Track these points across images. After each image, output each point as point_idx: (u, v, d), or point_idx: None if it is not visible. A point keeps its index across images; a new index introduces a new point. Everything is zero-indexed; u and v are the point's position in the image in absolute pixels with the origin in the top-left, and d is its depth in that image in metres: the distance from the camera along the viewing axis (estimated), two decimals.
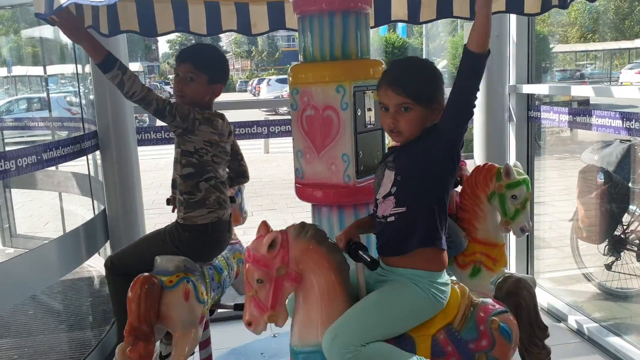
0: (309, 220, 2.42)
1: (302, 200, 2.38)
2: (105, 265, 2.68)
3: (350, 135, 2.19)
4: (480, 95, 4.05)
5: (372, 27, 3.24)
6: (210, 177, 2.49)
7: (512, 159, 4.13)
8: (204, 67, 2.46)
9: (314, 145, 2.25)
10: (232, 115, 4.25)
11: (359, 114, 2.20)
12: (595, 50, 27.81)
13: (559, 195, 6.43)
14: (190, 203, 2.48)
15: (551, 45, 19.50)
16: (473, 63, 1.82)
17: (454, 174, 1.94)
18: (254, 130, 3.92)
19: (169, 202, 2.72)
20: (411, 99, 1.86)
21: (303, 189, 2.34)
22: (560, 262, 4.78)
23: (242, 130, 3.88)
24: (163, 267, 2.48)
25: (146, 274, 2.38)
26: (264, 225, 1.94)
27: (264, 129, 3.94)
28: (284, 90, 22.93)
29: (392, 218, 1.91)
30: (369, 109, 2.26)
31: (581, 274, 4.31)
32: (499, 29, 3.84)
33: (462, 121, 1.87)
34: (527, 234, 2.80)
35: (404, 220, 1.90)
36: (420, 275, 1.90)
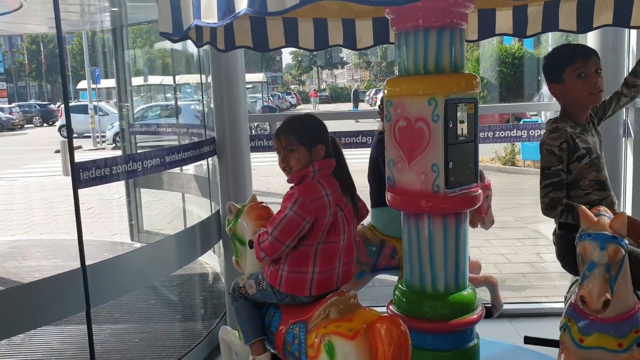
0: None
1: (392, 208, 2.47)
2: None
3: (440, 146, 2.25)
4: None
5: (475, 41, 3.29)
6: None
7: (629, 176, 3.95)
8: None
9: (405, 155, 2.34)
10: (347, 126, 4.43)
11: (450, 126, 2.26)
12: None
13: None
14: None
15: None
16: None
17: None
18: (359, 139, 4.06)
19: None
20: None
21: (394, 197, 2.43)
22: None
23: (348, 140, 4.04)
24: None
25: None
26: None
27: (369, 139, 4.06)
28: None
29: None
30: (462, 122, 2.31)
31: None
32: (615, 40, 3.70)
33: None
34: None
35: None
36: None
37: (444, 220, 2.36)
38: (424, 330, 2.41)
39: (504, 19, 3.16)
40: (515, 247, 6.45)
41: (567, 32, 2.99)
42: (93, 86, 22.09)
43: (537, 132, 4.13)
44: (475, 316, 2.44)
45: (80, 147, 15.87)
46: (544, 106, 10.51)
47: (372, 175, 3.32)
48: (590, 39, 3.80)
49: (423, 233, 2.39)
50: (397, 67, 2.42)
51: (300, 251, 2.27)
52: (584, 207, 2.14)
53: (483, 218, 3.13)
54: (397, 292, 2.55)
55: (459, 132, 2.31)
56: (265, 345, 2.45)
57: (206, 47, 3.23)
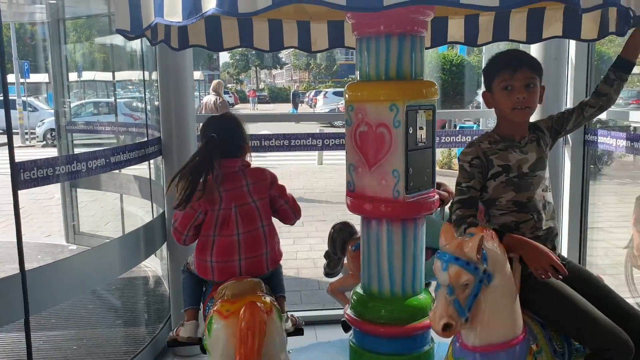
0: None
1: (352, 213, 2.47)
2: None
3: (401, 152, 2.27)
4: (534, 118, 4.05)
5: (428, 48, 3.33)
6: None
7: (566, 183, 4.10)
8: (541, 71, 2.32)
9: (366, 160, 2.34)
10: (287, 127, 4.38)
11: (410, 132, 2.28)
12: None
13: (616, 222, 6.28)
14: None
15: None
16: None
17: None
18: (309, 142, 4.04)
19: None
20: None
21: (353, 202, 2.43)
22: (614, 290, 4.68)
23: (298, 142, 4.01)
24: None
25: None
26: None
27: (319, 142, 4.05)
28: (340, 103, 23.18)
29: None
30: (421, 128, 2.33)
31: (635, 303, 4.21)
32: (557, 52, 3.84)
33: None
34: None
35: None
36: None
37: (403, 225, 2.38)
38: (380, 335, 2.43)
39: (455, 28, 3.22)
40: None
41: (517, 43, 3.08)
42: (22, 80, 21.10)
43: None
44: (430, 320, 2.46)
45: None
46: (482, 113, 10.91)
47: None
48: (533, 51, 3.93)
49: (382, 237, 2.40)
50: (358, 72, 2.43)
51: (201, 240, 2.67)
52: (448, 225, 2.03)
53: None
54: (354, 297, 2.55)
55: (419, 138, 2.33)
56: (199, 315, 2.76)
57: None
